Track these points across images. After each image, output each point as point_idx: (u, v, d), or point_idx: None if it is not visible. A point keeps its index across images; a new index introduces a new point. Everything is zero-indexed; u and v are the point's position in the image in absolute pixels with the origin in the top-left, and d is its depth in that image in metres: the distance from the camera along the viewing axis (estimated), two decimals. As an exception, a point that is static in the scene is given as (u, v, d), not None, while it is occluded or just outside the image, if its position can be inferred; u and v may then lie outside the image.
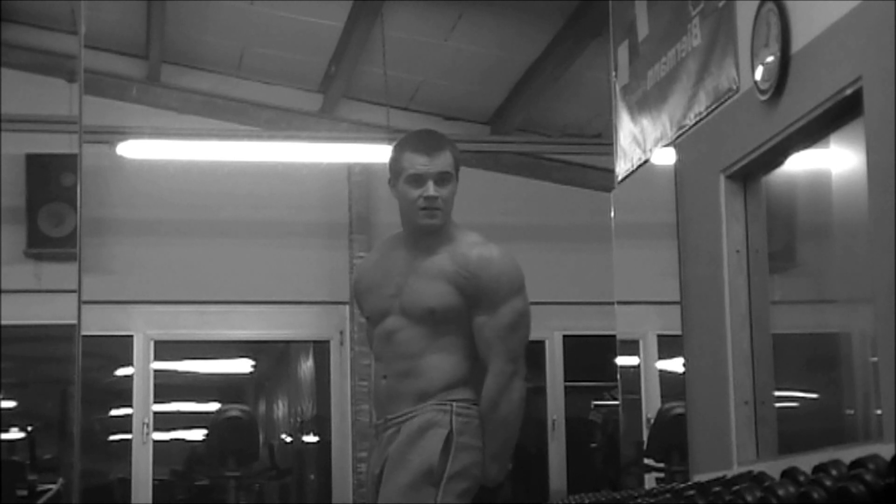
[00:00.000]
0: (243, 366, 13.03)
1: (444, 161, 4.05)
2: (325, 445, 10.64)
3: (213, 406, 11.12)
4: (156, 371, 10.17)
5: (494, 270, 4.03)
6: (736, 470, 5.49)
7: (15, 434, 9.66)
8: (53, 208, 9.70)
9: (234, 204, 10.16)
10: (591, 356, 10.24)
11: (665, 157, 6.58)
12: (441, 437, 3.96)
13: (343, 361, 10.26)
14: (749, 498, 4.42)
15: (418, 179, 4.04)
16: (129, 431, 10.03)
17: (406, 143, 4.12)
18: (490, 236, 4.18)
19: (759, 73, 5.49)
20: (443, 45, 9.24)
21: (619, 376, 8.09)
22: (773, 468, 4.83)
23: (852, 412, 5.39)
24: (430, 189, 4.03)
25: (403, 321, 4.06)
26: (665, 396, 7.65)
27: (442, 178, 4.04)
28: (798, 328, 6.09)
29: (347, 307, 10.11)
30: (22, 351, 9.94)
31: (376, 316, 4.15)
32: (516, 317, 4.02)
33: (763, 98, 5.44)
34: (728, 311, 5.83)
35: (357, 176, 10.30)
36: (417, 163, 4.05)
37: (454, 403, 4.01)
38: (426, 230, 4.07)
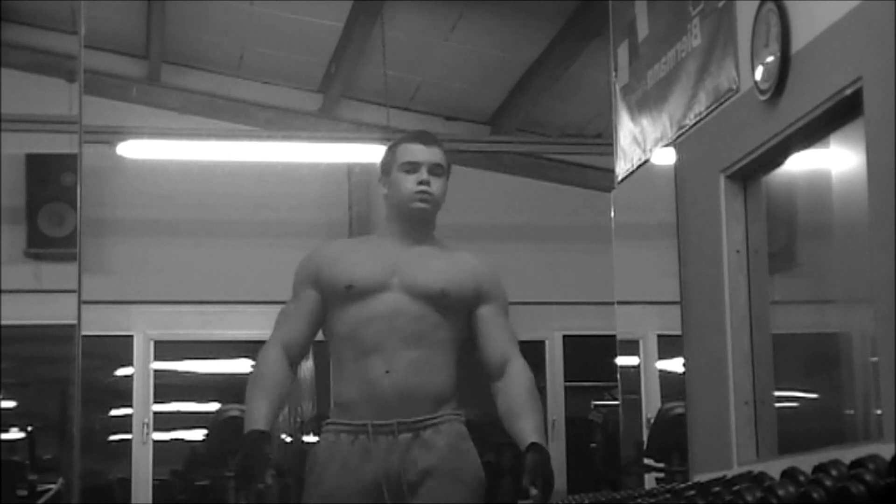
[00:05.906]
0: (243, 366, 13.00)
1: (438, 153, 4.11)
2: (325, 445, 10.60)
3: (213, 406, 11.10)
4: (156, 371, 10.18)
5: (489, 263, 4.15)
6: (736, 470, 5.48)
7: (15, 434, 9.65)
8: (53, 208, 9.71)
9: (234, 204, 10.16)
10: (591, 356, 10.23)
11: (665, 157, 6.57)
12: (474, 448, 4.03)
13: (343, 361, 10.24)
14: (749, 498, 4.41)
15: (414, 166, 4.08)
16: (129, 431, 10.04)
17: (400, 139, 4.22)
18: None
19: (759, 73, 5.49)
20: (443, 45, 9.24)
21: (619, 376, 8.09)
22: (773, 468, 4.83)
23: (852, 412, 5.38)
24: (425, 174, 4.06)
25: (408, 301, 3.98)
26: (665, 396, 7.65)
27: (435, 170, 4.09)
28: (798, 328, 6.09)
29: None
30: (22, 351, 9.93)
31: (369, 286, 4.00)
32: (507, 306, 4.13)
33: (763, 98, 5.43)
34: (728, 311, 5.81)
35: (357, 176, 10.30)
36: (414, 150, 4.10)
37: (458, 414, 4.03)
38: (419, 216, 4.09)
